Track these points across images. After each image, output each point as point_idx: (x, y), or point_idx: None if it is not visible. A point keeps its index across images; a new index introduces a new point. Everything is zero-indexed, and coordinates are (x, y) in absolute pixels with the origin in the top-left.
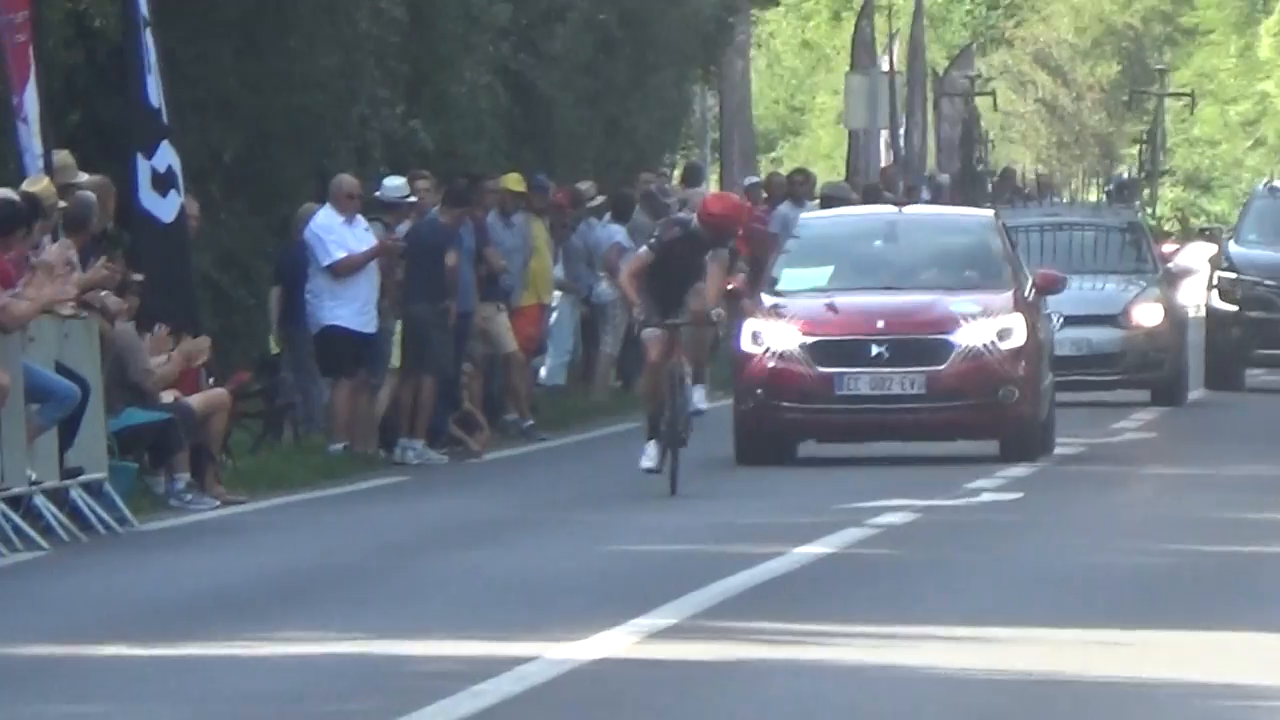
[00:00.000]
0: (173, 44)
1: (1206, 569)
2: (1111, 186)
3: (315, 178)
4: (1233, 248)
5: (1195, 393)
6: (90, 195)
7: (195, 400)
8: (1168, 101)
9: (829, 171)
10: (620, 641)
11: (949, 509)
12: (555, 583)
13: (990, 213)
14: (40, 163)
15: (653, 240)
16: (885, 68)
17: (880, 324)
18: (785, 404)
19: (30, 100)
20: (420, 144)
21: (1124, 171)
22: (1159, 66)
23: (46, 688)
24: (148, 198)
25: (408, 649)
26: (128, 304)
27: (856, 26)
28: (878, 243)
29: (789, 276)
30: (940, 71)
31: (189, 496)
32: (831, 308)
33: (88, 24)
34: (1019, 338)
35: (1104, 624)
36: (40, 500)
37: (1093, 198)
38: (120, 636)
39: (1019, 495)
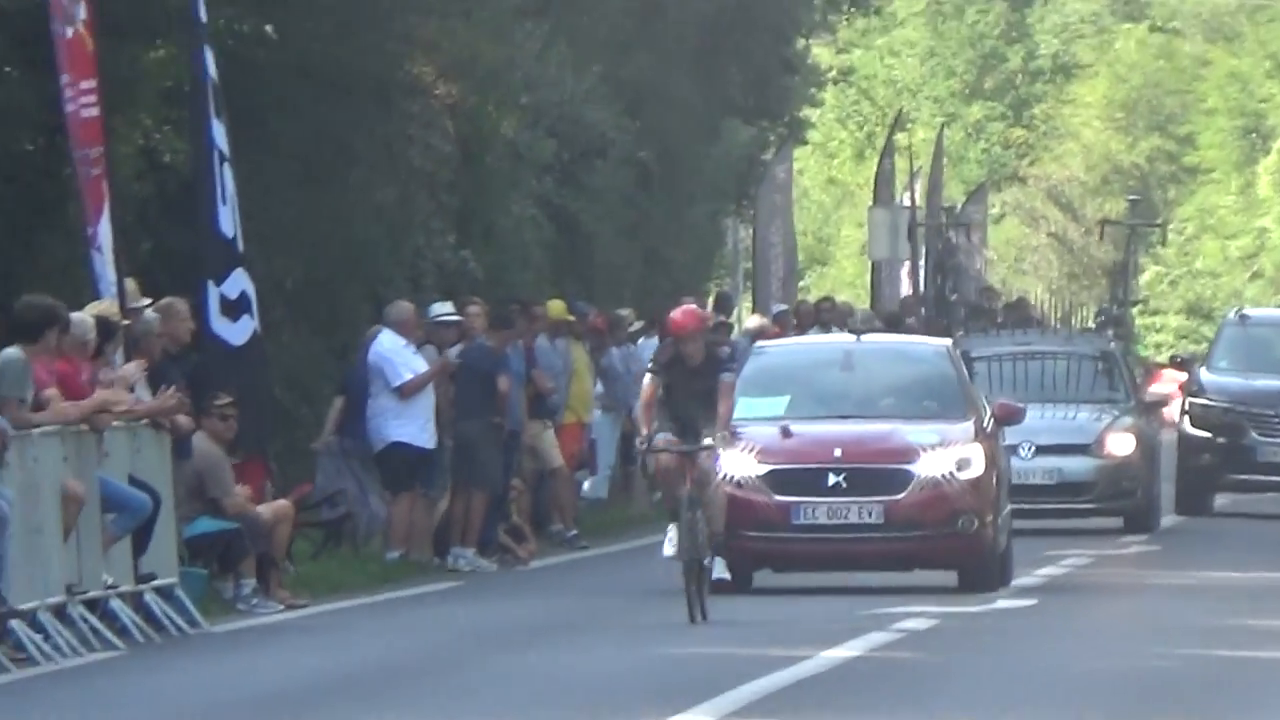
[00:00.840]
0: (239, 178)
1: (1207, 671)
2: (1101, 318)
3: (371, 303)
4: (1204, 375)
5: (1167, 518)
6: (153, 317)
7: (262, 510)
8: (1170, 236)
9: (853, 300)
10: None
11: (968, 615)
12: (600, 683)
13: (947, 342)
14: (114, 289)
15: (650, 364)
16: (906, 203)
17: (838, 453)
18: (742, 532)
19: (104, 230)
20: (470, 272)
21: (1112, 305)
22: (1131, 197)
23: None
24: (218, 323)
25: None
26: (225, 427)
27: (879, 165)
28: (835, 371)
29: (745, 405)
30: (958, 208)
31: (255, 600)
32: (787, 434)
33: (158, 159)
34: (978, 468)
35: None
36: (116, 603)
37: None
38: None
39: (1033, 602)
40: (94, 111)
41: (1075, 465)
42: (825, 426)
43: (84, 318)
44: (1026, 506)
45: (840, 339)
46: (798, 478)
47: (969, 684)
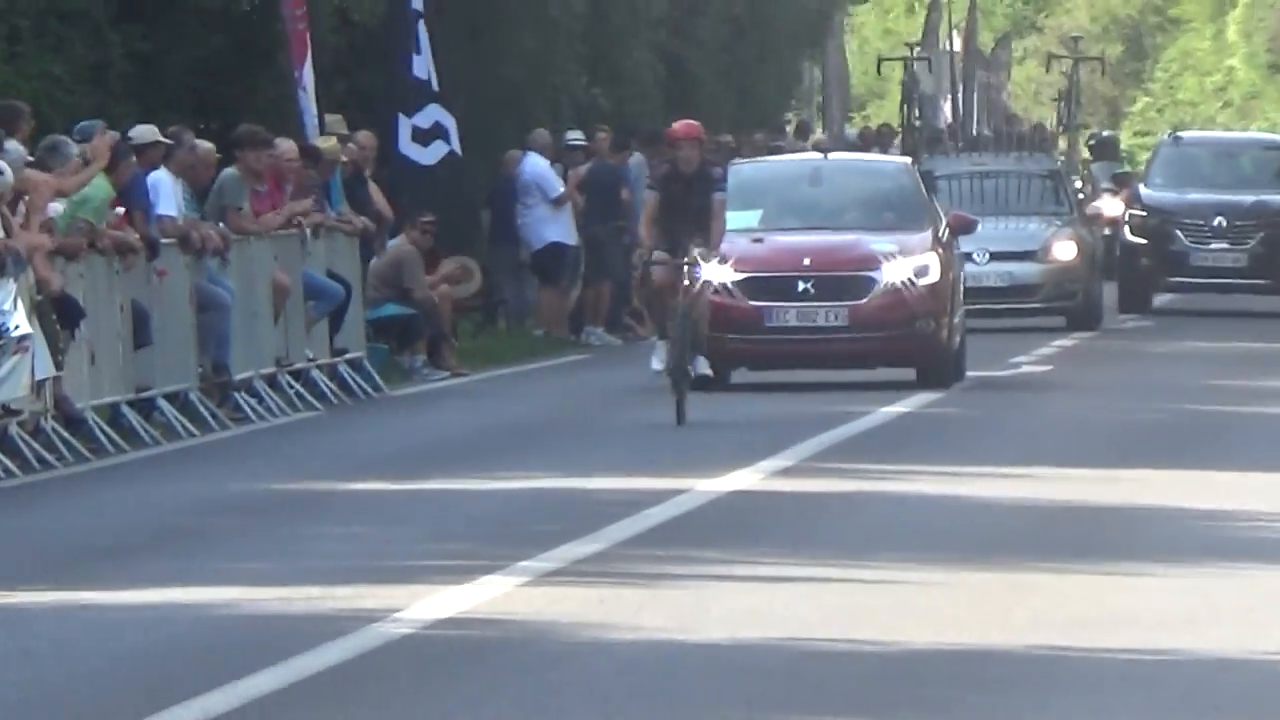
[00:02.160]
0: None
1: (1197, 422)
2: (1093, 142)
3: (519, 132)
4: (1143, 190)
5: (1109, 318)
6: (337, 147)
7: (436, 296)
8: (1157, 71)
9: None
10: (751, 478)
11: (997, 377)
12: (700, 433)
13: (907, 159)
14: (315, 122)
15: (649, 181)
16: (947, 48)
17: (806, 261)
18: (721, 335)
19: (308, 74)
20: (598, 106)
21: (1102, 130)
22: (1074, 34)
23: (320, 514)
24: (407, 147)
25: (591, 484)
26: (423, 238)
27: (926, 17)
28: (804, 186)
29: None
30: (987, 51)
31: (426, 371)
32: (760, 242)
33: (349, 16)
34: (934, 275)
35: (1113, 464)
36: (315, 373)
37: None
38: (376, 475)
39: (1049, 368)
40: None
41: (1024, 269)
42: (795, 237)
43: (289, 143)
44: (981, 307)
45: (809, 157)
46: (770, 284)
47: (995, 434)
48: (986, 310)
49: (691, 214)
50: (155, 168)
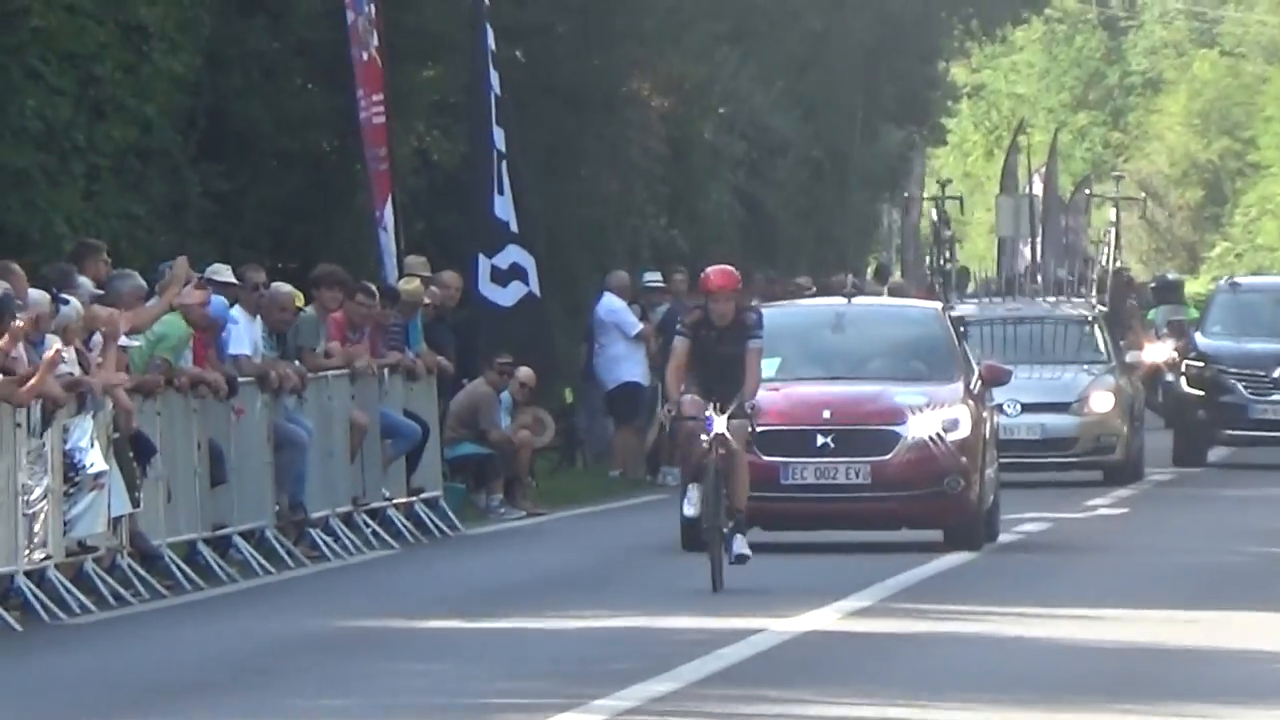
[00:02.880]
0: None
1: (1270, 564)
2: (1155, 284)
3: (598, 272)
4: (1199, 338)
5: (1164, 473)
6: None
7: (514, 437)
8: (1236, 216)
9: (982, 270)
10: (827, 618)
11: (1074, 520)
12: (776, 573)
13: (938, 304)
14: (394, 262)
15: (680, 326)
16: (1026, 192)
17: (826, 414)
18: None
19: (388, 214)
20: (678, 247)
21: (1167, 273)
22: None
23: (396, 652)
24: (486, 287)
25: (666, 623)
26: (500, 380)
27: (1005, 161)
28: (826, 333)
29: None
30: (1066, 197)
31: (503, 510)
32: (776, 392)
33: (429, 157)
34: (965, 429)
35: (1187, 605)
36: (392, 512)
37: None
38: (451, 613)
39: (1126, 510)
40: (381, 119)
41: (1058, 422)
42: (815, 387)
43: (369, 286)
44: (1012, 460)
45: (832, 302)
46: (786, 438)
47: (1072, 577)
48: (1019, 464)
49: (725, 362)
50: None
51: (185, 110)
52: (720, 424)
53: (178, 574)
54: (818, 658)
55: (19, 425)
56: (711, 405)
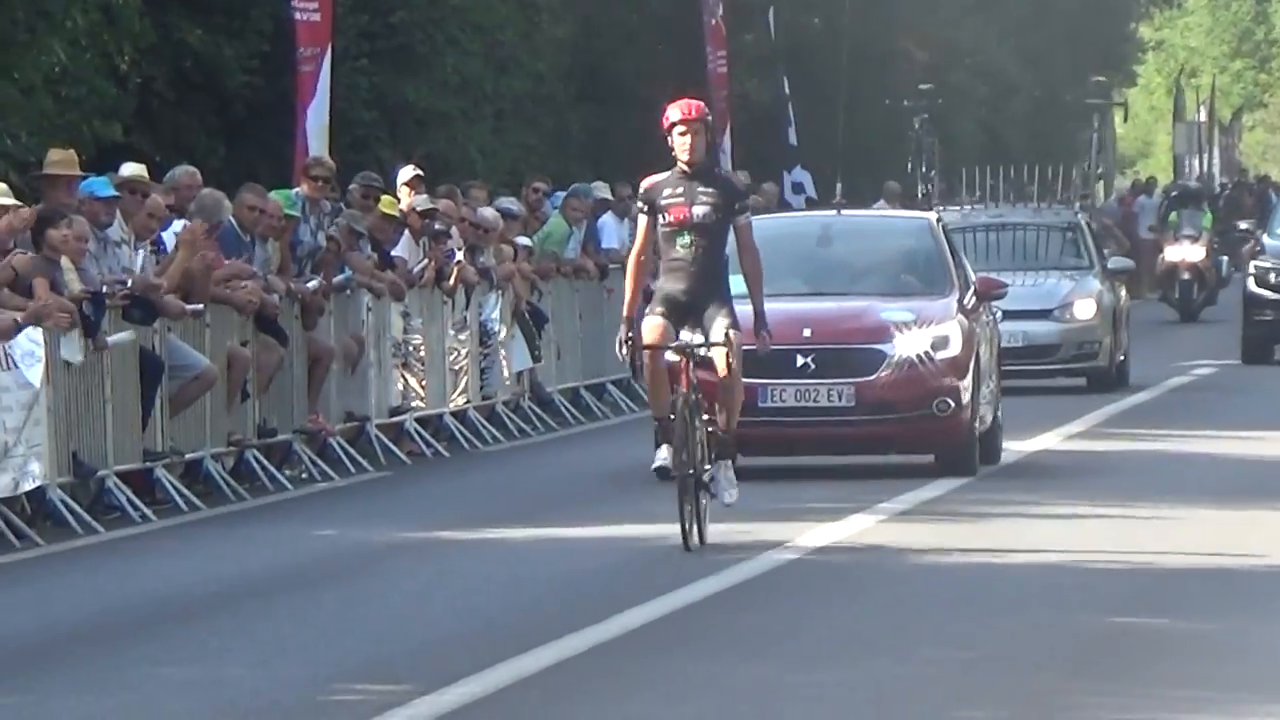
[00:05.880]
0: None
1: None
2: (1176, 191)
3: (876, 184)
4: (1267, 240)
5: (1234, 362)
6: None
7: None
8: None
9: (1164, 179)
10: (1050, 440)
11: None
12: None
13: (931, 215)
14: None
15: (640, 203)
16: (1195, 119)
17: (807, 333)
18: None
19: (725, 140)
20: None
21: (1188, 181)
22: (1096, 77)
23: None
24: (788, 195)
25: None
26: None
27: (1175, 95)
28: (811, 247)
29: None
30: (1226, 121)
31: None
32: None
33: (749, 98)
34: (955, 346)
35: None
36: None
37: None
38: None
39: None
40: (724, 69)
41: (1041, 329)
42: (796, 304)
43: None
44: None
45: (820, 214)
46: (765, 358)
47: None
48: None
49: (699, 250)
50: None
51: (567, 66)
52: (718, 330)
53: (566, 414)
54: (1044, 472)
55: (445, 301)
56: (685, 325)
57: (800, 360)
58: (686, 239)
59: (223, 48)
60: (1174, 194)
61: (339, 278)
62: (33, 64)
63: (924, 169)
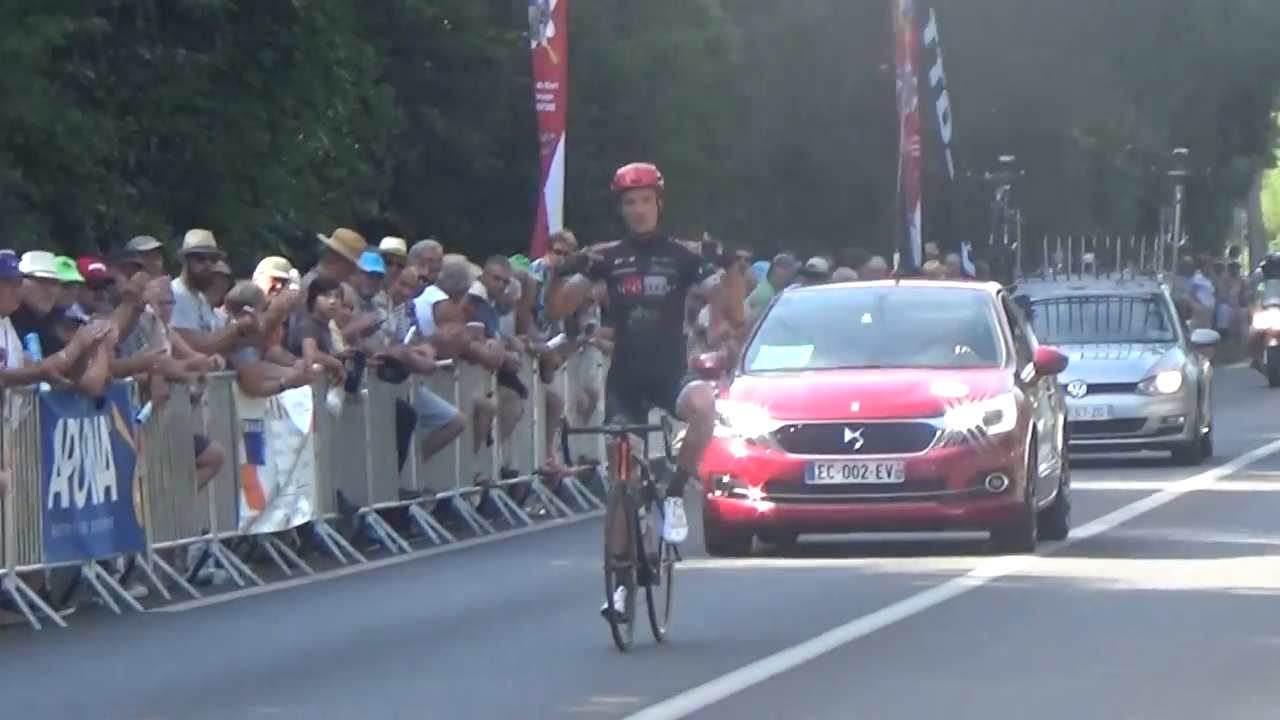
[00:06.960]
0: None
1: None
2: (1265, 262)
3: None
4: None
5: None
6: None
7: None
8: None
9: None
10: (1205, 481)
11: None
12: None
13: (992, 287)
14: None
15: (580, 257)
16: None
17: (855, 406)
18: (768, 494)
19: (917, 215)
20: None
21: (1276, 252)
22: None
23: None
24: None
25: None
26: None
27: None
28: (864, 319)
29: (766, 355)
30: None
31: None
32: (803, 384)
33: (933, 179)
34: (1009, 421)
35: None
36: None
37: None
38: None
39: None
40: (917, 153)
41: (1125, 402)
42: (845, 377)
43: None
44: (1079, 442)
45: (876, 285)
46: (812, 433)
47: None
48: (1085, 446)
49: (649, 329)
50: None
51: (773, 151)
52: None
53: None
54: (1203, 509)
55: None
56: (642, 405)
57: (848, 435)
58: (639, 312)
59: (466, 134)
60: (1264, 264)
61: (579, 336)
62: (300, 149)
63: (1005, 240)
